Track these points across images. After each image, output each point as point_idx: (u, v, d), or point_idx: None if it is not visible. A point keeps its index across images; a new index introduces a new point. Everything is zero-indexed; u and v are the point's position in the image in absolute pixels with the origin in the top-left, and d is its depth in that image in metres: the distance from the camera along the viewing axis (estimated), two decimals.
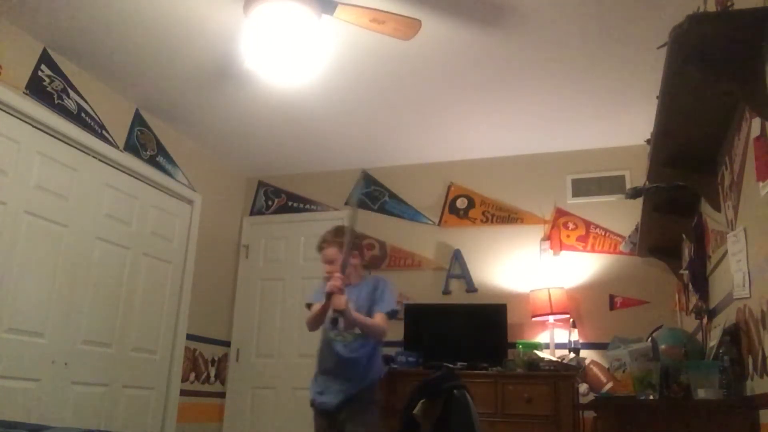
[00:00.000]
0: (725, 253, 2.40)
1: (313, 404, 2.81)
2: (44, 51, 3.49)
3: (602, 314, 4.20)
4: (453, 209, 4.76)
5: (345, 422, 2.68)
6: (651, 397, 2.42)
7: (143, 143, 4.23)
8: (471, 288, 4.54)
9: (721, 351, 2.30)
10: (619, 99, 3.81)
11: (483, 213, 4.68)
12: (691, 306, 3.26)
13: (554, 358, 3.76)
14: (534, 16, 3.05)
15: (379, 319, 2.72)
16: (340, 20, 2.94)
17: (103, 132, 3.90)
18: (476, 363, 3.85)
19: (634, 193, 3.01)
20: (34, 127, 3.43)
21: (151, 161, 4.30)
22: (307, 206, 5.20)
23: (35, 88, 3.43)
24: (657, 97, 2.22)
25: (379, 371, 2.84)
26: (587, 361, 3.79)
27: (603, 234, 4.36)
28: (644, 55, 3.29)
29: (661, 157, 2.61)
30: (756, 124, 1.93)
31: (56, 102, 3.56)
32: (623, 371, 2.71)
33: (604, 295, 4.24)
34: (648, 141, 2.79)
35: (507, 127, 4.27)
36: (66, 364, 3.54)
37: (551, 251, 4.42)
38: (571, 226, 4.45)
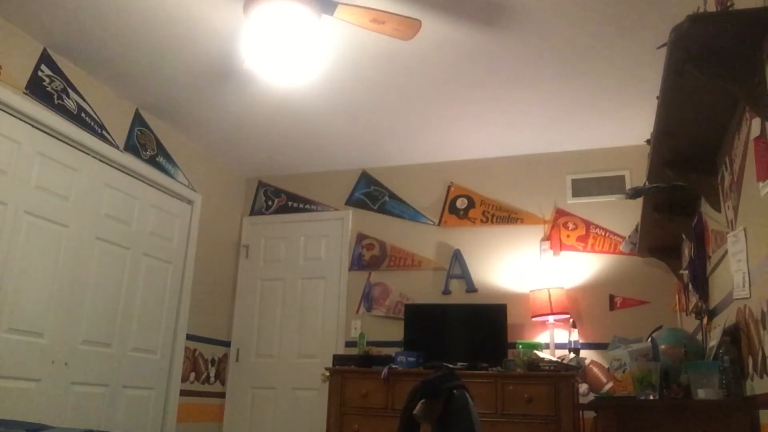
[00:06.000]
0: (725, 253, 2.40)
1: None
2: (44, 51, 3.49)
3: (602, 314, 4.20)
4: (453, 209, 4.76)
5: None
6: (651, 397, 2.42)
7: (143, 143, 4.23)
8: (471, 288, 4.54)
9: (721, 351, 2.30)
10: (619, 99, 3.81)
11: (483, 213, 4.68)
12: (691, 306, 3.26)
13: (554, 358, 3.76)
14: (534, 17, 3.05)
15: None
16: (340, 20, 2.94)
17: (103, 132, 3.90)
18: (476, 363, 3.85)
19: (634, 193, 3.00)
20: (34, 127, 3.43)
21: (151, 161, 4.30)
22: (307, 206, 5.20)
23: (35, 88, 3.43)
24: (657, 98, 2.22)
25: None
26: (587, 361, 3.79)
27: (603, 234, 4.36)
28: (644, 55, 3.30)
29: (661, 157, 2.61)
30: (756, 124, 1.93)
31: (56, 102, 3.56)
32: (623, 371, 2.71)
33: (604, 295, 4.24)
34: (648, 141, 2.79)
35: (507, 127, 4.27)
36: (66, 364, 3.55)
37: (551, 251, 4.42)
38: (571, 226, 4.45)
